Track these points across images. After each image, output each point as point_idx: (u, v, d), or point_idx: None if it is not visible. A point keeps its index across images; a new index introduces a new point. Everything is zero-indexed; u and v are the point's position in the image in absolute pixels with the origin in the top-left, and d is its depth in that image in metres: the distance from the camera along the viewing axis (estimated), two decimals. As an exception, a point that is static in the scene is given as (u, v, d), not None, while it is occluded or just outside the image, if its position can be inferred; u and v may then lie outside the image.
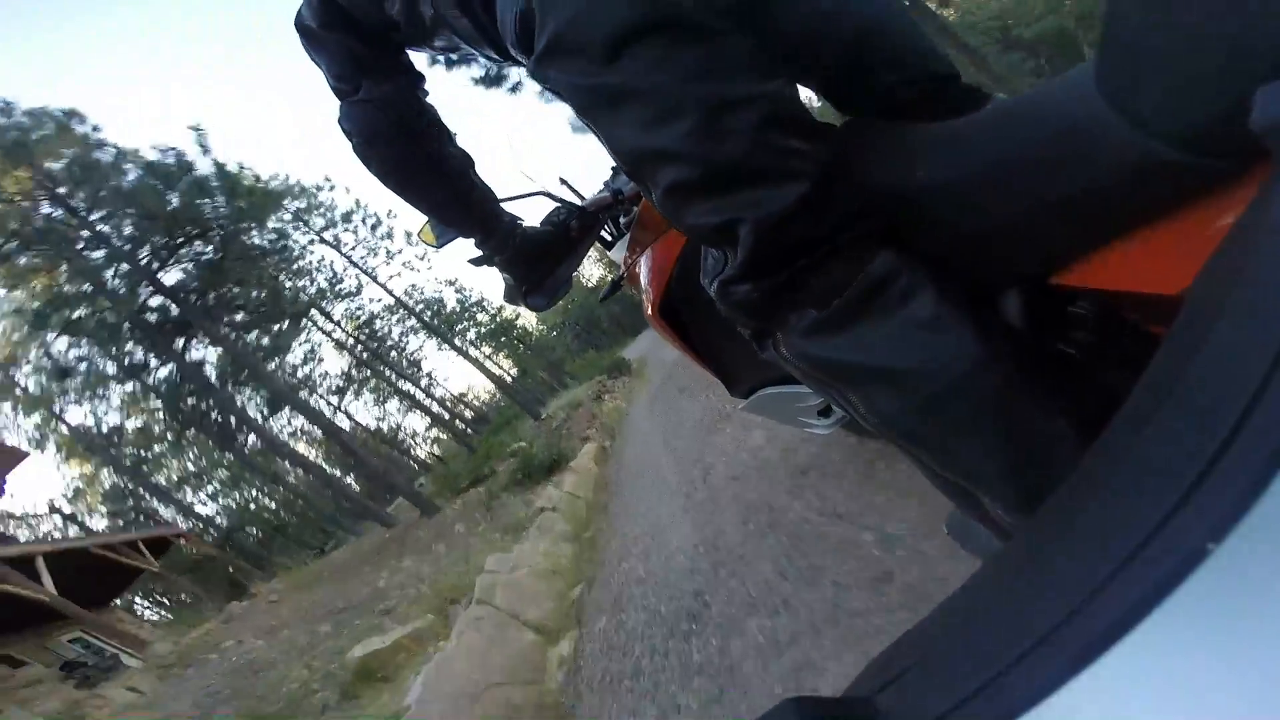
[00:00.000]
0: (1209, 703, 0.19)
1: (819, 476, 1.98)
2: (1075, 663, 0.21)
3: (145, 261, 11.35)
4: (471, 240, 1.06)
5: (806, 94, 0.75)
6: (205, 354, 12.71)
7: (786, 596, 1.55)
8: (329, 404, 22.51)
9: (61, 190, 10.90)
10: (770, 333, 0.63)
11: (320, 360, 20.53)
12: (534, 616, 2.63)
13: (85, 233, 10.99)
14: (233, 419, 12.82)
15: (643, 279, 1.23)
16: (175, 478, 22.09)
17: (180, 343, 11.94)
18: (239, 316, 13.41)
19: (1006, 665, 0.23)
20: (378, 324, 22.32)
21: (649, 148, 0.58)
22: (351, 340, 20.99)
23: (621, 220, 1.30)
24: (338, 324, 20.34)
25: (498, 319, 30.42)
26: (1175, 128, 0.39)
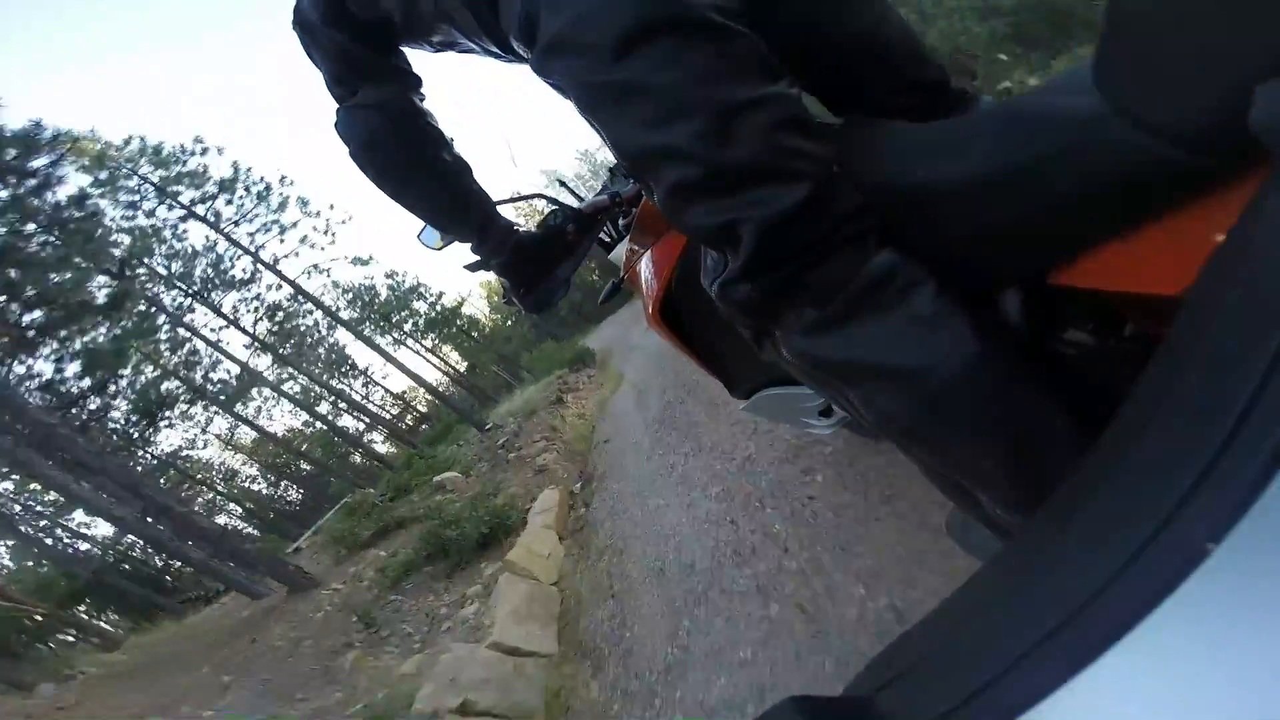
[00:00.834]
0: (1209, 703, 0.19)
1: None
2: (1075, 663, 0.21)
3: None
4: (468, 244, 1.06)
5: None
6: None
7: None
8: (222, 416, 17.58)
9: None
10: (770, 332, 0.63)
11: (202, 362, 15.82)
12: None
13: None
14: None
15: (643, 280, 1.23)
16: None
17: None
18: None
19: (1006, 665, 0.23)
20: (291, 313, 17.56)
21: (654, 147, 0.58)
22: (257, 338, 16.57)
23: (620, 222, 1.30)
24: (230, 319, 15.84)
25: (439, 306, 26.63)
26: (1174, 126, 0.39)
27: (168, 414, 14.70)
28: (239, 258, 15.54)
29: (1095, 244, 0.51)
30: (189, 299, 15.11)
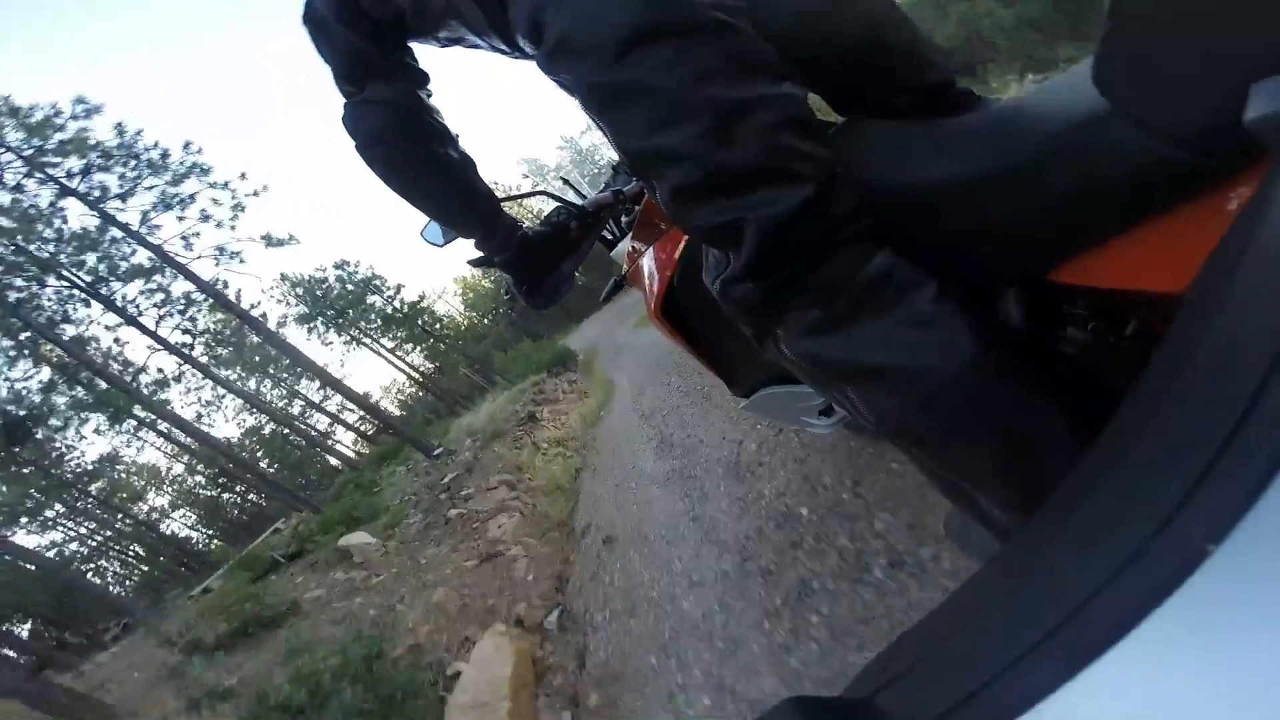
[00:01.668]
0: (1209, 704, 0.19)
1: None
2: (1075, 663, 0.21)
3: None
4: (473, 241, 1.06)
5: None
6: None
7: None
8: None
9: None
10: (771, 331, 0.64)
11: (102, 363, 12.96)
12: None
13: None
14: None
15: (645, 278, 1.23)
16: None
17: None
18: None
19: (1006, 665, 0.23)
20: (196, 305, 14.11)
21: (658, 147, 0.57)
22: (156, 335, 13.38)
23: (623, 220, 1.30)
24: (129, 317, 12.91)
25: (397, 301, 23.65)
26: (1174, 125, 0.39)
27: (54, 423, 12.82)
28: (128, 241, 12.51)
29: (1096, 243, 0.51)
30: (71, 289, 12.36)
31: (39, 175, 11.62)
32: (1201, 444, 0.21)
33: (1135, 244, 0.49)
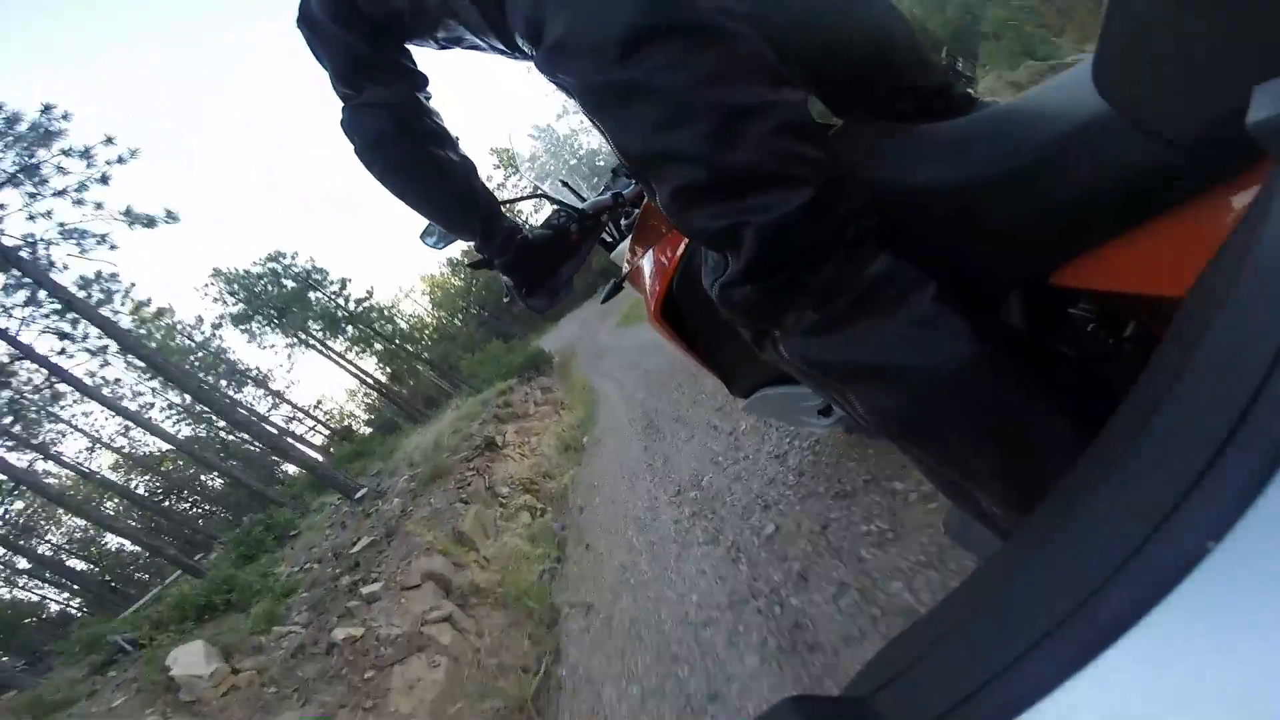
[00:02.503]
0: (1208, 703, 0.19)
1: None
2: (1075, 663, 0.21)
3: None
4: (472, 243, 1.06)
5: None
6: None
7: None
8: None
9: None
10: (770, 333, 0.64)
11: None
12: None
13: None
14: None
15: (644, 280, 1.23)
16: None
17: None
18: None
19: (1006, 665, 0.23)
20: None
21: (658, 149, 0.57)
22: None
23: (622, 222, 1.31)
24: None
25: (341, 298, 20.77)
26: (1174, 128, 0.39)
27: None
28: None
29: (1096, 245, 0.51)
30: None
31: None
32: (1201, 442, 0.21)
33: (1136, 247, 0.49)
